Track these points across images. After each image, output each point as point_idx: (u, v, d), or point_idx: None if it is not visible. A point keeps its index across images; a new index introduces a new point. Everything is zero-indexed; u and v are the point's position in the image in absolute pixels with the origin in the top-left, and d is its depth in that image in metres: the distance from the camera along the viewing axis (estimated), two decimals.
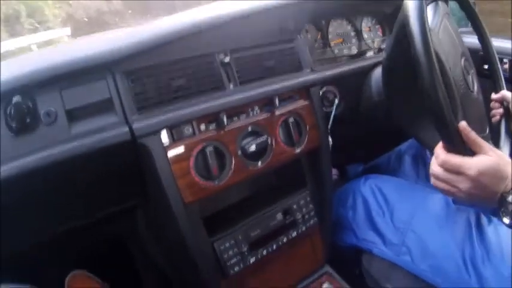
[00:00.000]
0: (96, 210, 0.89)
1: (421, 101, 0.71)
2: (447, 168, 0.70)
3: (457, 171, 0.69)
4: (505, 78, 1.02)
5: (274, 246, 0.93)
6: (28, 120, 0.67)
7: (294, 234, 0.95)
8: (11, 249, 0.81)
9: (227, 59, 0.85)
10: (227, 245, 0.87)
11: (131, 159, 0.78)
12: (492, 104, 0.98)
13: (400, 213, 0.99)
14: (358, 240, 1.04)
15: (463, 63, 0.82)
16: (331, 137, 1.02)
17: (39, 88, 0.68)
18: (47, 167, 0.67)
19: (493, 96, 0.97)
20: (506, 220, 0.66)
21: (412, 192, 1.05)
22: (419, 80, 0.65)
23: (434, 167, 0.72)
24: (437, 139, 0.72)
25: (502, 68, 1.28)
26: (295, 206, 0.96)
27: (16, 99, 0.65)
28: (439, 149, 0.71)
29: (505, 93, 0.95)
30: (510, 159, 0.69)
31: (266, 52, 0.91)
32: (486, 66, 1.00)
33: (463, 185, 0.68)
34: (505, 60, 1.30)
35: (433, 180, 0.74)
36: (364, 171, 1.41)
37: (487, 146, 0.69)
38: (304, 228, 0.97)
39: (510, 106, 0.94)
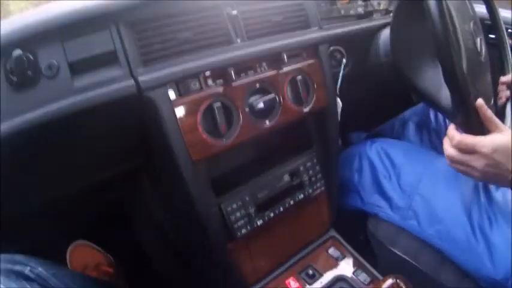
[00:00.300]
0: (99, 171, 0.86)
1: (430, 60, 0.70)
2: (462, 148, 0.71)
3: (471, 151, 0.70)
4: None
5: (281, 209, 0.91)
6: (29, 73, 0.64)
7: (301, 196, 0.94)
8: (10, 213, 0.78)
9: (234, 12, 0.82)
10: (234, 206, 0.85)
11: (136, 115, 0.76)
12: (500, 87, 0.97)
13: (407, 177, 0.99)
14: (364, 204, 1.04)
15: (472, 26, 0.80)
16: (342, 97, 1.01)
17: (40, 40, 0.65)
18: (49, 121, 0.64)
19: (502, 78, 0.96)
20: None
21: (419, 156, 1.05)
22: (433, 38, 0.65)
23: (449, 149, 0.73)
24: (446, 99, 0.71)
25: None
26: (301, 168, 0.95)
27: (16, 52, 0.62)
28: (452, 130, 0.73)
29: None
30: None
31: (274, 7, 0.88)
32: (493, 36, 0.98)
33: (478, 163, 0.70)
34: (510, 30, 1.28)
35: (448, 162, 0.75)
36: (367, 138, 1.40)
37: (501, 124, 0.70)
38: (310, 191, 0.96)
39: None
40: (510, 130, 0.70)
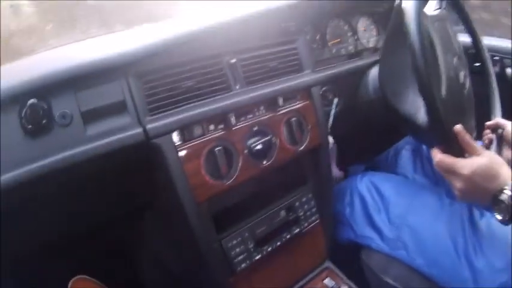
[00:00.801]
0: (106, 212, 0.92)
1: (417, 100, 0.78)
2: (442, 168, 0.78)
3: (451, 171, 0.76)
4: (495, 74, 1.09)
5: (278, 243, 0.97)
6: (44, 122, 0.68)
7: (297, 230, 1.00)
8: (15, 253, 0.83)
9: (233, 60, 0.89)
10: (234, 242, 0.91)
11: (142, 160, 0.81)
12: (485, 131, 1.01)
13: (396, 209, 1.05)
14: (357, 236, 1.09)
15: (455, 61, 0.88)
16: (334, 135, 1.08)
17: (54, 90, 0.70)
18: (63, 169, 0.69)
19: (487, 123, 0.99)
20: (499, 216, 0.73)
21: (407, 188, 1.11)
22: (411, 64, 0.72)
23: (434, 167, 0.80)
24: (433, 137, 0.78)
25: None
26: (297, 204, 1.01)
27: (31, 101, 0.67)
28: (435, 151, 0.79)
29: (499, 120, 0.99)
30: (502, 160, 0.76)
31: (269, 53, 0.96)
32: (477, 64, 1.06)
33: (458, 184, 0.76)
34: (495, 57, 1.38)
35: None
36: (365, 169, 1.47)
37: (480, 148, 0.76)
38: (306, 225, 1.02)
39: (504, 132, 0.97)
40: (487, 152, 0.77)
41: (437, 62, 0.77)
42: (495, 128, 0.98)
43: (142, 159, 0.81)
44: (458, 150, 0.76)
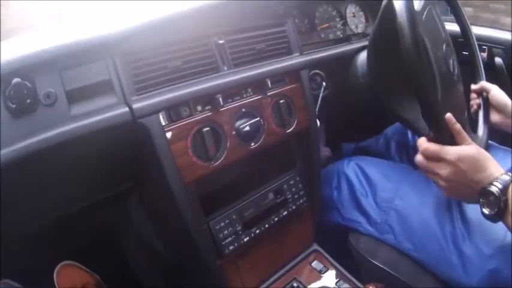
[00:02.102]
0: (90, 195, 0.92)
1: (404, 84, 0.79)
2: (428, 155, 0.79)
3: (437, 158, 0.77)
4: (484, 64, 1.12)
5: (266, 225, 0.99)
6: (28, 101, 0.68)
7: (285, 213, 1.02)
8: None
9: (221, 41, 0.90)
10: (222, 224, 0.92)
11: (128, 140, 0.82)
12: (471, 95, 1.07)
13: (383, 193, 1.07)
14: (344, 220, 1.12)
15: (444, 48, 0.90)
16: (322, 118, 1.10)
17: (38, 70, 0.70)
18: (47, 148, 0.69)
19: (473, 86, 1.05)
20: (486, 211, 0.73)
21: (394, 172, 1.13)
22: (407, 66, 0.72)
23: (418, 156, 0.81)
24: (421, 121, 0.80)
25: (481, 55, 1.40)
26: (285, 186, 1.03)
27: (15, 80, 0.67)
28: (421, 139, 0.80)
29: (484, 83, 1.04)
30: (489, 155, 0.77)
31: (258, 35, 0.97)
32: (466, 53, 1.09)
33: (443, 170, 0.77)
34: (484, 47, 1.41)
35: (420, 170, 0.83)
36: (354, 151, 1.50)
37: (469, 138, 0.78)
38: (294, 207, 1.04)
39: (489, 96, 1.03)
40: (476, 145, 0.77)
41: (430, 61, 0.78)
42: (481, 92, 1.02)
43: (129, 140, 0.82)
44: (447, 138, 0.77)
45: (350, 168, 1.16)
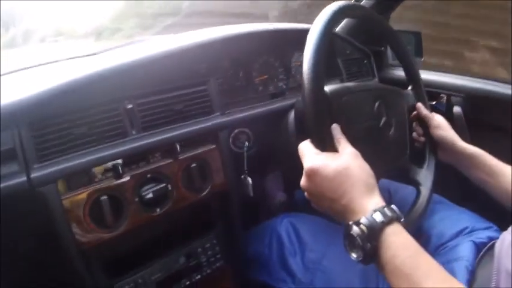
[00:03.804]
0: None
1: None
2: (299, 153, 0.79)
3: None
4: (441, 111, 1.17)
5: None
6: None
7: (198, 277, 1.13)
8: None
9: (130, 106, 1.02)
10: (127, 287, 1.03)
11: (28, 209, 0.93)
12: (414, 127, 1.14)
13: (312, 254, 1.17)
14: (272, 279, 1.21)
15: (377, 105, 0.97)
16: (253, 173, 1.20)
17: None
18: None
19: (412, 115, 1.12)
20: (352, 254, 0.68)
21: (327, 232, 1.22)
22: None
23: None
24: None
25: (438, 102, 1.47)
26: (199, 249, 1.14)
27: None
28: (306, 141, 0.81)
29: (418, 105, 1.10)
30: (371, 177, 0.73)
31: (175, 96, 1.09)
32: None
33: (302, 179, 0.76)
34: (442, 95, 1.48)
35: None
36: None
37: (347, 145, 0.77)
38: (209, 271, 1.15)
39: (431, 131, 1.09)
40: (352, 156, 0.74)
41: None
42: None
43: (29, 207, 0.93)
44: (323, 143, 0.77)
45: (283, 226, 1.25)
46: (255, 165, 1.23)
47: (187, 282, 1.11)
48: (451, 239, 1.09)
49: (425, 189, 1.00)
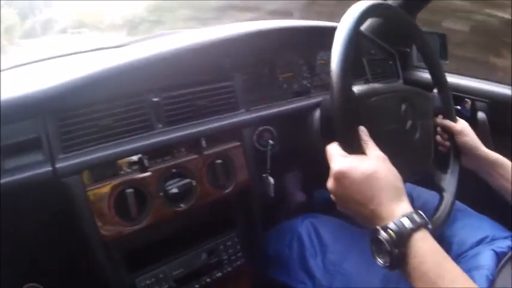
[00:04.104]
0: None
1: None
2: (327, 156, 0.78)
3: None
4: (466, 117, 1.15)
5: (197, 286, 1.08)
6: None
7: (219, 274, 1.12)
8: None
9: (156, 99, 1.01)
10: (148, 282, 1.04)
11: (53, 199, 0.93)
12: (438, 131, 1.13)
13: (332, 256, 1.15)
14: (291, 279, 1.20)
15: (403, 108, 0.96)
16: (274, 172, 1.19)
17: None
18: None
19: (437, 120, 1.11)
20: (379, 260, 0.68)
21: (348, 234, 1.21)
22: None
23: None
24: None
25: (463, 107, 1.45)
26: (221, 247, 1.13)
27: None
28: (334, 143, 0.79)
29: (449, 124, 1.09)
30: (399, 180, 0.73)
31: (199, 91, 1.08)
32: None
33: (329, 181, 0.75)
34: (466, 99, 1.46)
35: None
36: (328, 201, 1.56)
37: (374, 150, 0.75)
38: (230, 269, 1.14)
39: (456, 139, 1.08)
40: (380, 159, 0.74)
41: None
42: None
43: (53, 197, 0.92)
44: (351, 145, 0.76)
45: (304, 227, 1.24)
46: (275, 164, 1.22)
47: (208, 280, 1.10)
48: (472, 247, 1.09)
49: (448, 195, 0.99)
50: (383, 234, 0.65)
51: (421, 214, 0.67)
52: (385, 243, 0.64)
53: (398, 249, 0.64)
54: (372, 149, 0.76)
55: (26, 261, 1.08)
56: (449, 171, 1.04)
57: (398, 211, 0.67)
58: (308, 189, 1.63)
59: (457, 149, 1.08)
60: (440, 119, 1.10)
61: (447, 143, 1.11)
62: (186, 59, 1.07)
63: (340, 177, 0.72)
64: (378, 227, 0.67)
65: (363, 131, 0.79)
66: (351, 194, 0.71)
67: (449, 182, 1.01)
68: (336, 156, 0.74)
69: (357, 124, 0.79)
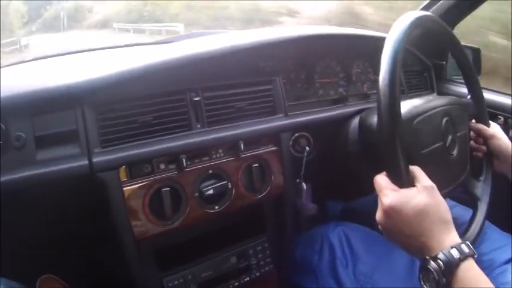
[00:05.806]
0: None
1: None
2: (376, 187, 0.77)
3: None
4: None
5: None
6: (0, 142, 0.79)
7: (247, 279, 1.09)
8: None
9: (197, 98, 0.97)
10: (176, 282, 1.01)
11: (87, 193, 0.90)
12: (472, 143, 1.09)
13: (363, 266, 1.12)
14: (318, 286, 1.16)
15: (444, 123, 0.92)
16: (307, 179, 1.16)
17: (11, 113, 0.81)
18: (11, 190, 0.79)
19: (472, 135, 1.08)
20: (425, 287, 0.69)
21: (379, 245, 1.17)
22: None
23: None
24: None
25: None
26: (251, 251, 1.10)
27: None
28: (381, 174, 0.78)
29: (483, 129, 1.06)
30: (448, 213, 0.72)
31: (240, 93, 1.05)
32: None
33: (378, 211, 0.75)
34: (499, 116, 1.42)
35: None
36: (342, 210, 1.53)
37: (426, 179, 0.74)
38: (258, 274, 1.10)
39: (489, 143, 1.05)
40: (433, 193, 0.73)
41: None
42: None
43: (87, 191, 0.90)
44: (402, 178, 0.73)
45: (335, 234, 1.21)
46: (308, 170, 1.19)
47: (236, 283, 1.07)
48: (500, 265, 1.06)
49: (483, 205, 0.97)
50: (432, 264, 0.67)
51: (468, 245, 0.69)
52: (434, 272, 0.66)
53: (445, 278, 0.65)
54: (421, 180, 0.74)
55: (51, 253, 1.06)
56: (482, 178, 1.02)
57: (447, 242, 0.69)
58: (322, 199, 1.60)
59: (489, 154, 1.05)
60: (473, 123, 1.08)
61: (483, 147, 1.07)
62: (229, 60, 1.04)
63: (391, 212, 0.71)
64: (427, 257, 0.68)
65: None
66: (402, 228, 0.71)
67: (483, 189, 1.00)
68: (386, 190, 0.73)
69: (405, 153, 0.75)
